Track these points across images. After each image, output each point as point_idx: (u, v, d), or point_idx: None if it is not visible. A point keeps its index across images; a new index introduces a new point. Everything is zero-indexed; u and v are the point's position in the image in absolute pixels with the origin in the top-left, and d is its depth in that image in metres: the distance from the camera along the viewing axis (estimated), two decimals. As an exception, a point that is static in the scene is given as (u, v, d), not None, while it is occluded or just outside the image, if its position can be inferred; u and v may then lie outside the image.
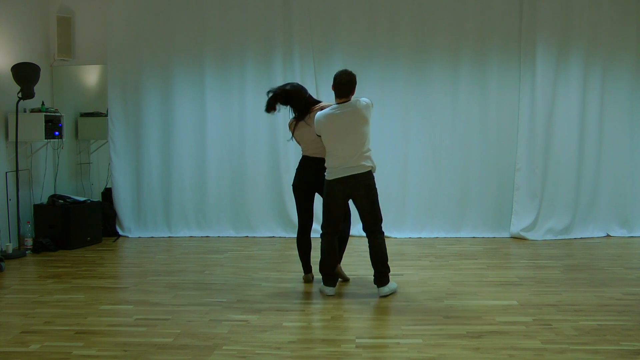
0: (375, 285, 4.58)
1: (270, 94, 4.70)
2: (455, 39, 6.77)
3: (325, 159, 4.53)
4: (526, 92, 6.75)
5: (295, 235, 4.99)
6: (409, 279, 5.02)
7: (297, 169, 4.85)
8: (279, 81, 6.86)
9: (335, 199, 4.50)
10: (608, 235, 6.84)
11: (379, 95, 6.81)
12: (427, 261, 5.72)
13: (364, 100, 4.48)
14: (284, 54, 6.92)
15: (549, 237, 6.71)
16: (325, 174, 4.54)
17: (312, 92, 6.85)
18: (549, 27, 6.66)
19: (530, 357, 3.35)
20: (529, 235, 6.70)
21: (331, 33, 6.87)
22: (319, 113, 4.52)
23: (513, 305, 4.31)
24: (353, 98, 4.48)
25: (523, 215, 6.76)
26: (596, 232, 6.83)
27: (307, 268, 4.98)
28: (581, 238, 6.73)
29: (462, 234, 6.86)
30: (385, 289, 4.53)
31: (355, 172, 4.42)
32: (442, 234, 6.87)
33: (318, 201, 4.81)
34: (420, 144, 6.83)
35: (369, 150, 4.51)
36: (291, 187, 4.91)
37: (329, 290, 4.59)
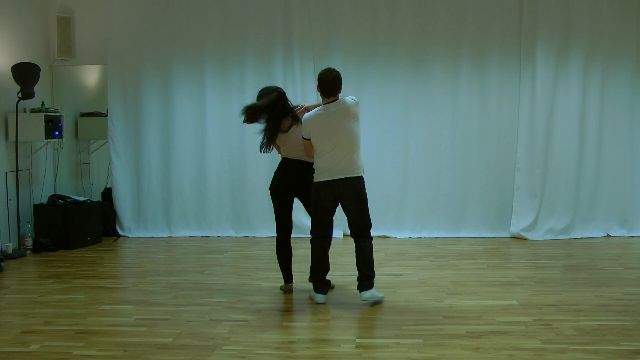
0: (358, 291, 4.33)
1: (261, 102, 4.39)
2: (455, 38, 6.77)
3: (315, 160, 4.33)
4: (526, 92, 6.75)
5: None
6: (409, 279, 5.02)
7: (276, 172, 4.57)
8: (279, 81, 6.86)
9: (324, 201, 4.30)
10: (608, 235, 6.84)
11: (378, 95, 6.84)
12: (427, 261, 5.72)
13: (350, 98, 4.33)
14: (284, 54, 6.91)
15: (549, 237, 6.71)
16: (313, 175, 4.35)
17: (312, 92, 6.90)
18: (549, 27, 6.66)
19: (530, 357, 3.35)
20: (529, 235, 6.70)
21: (331, 33, 6.87)
22: (307, 114, 4.32)
23: (513, 305, 4.31)
24: (340, 97, 4.32)
25: (523, 215, 6.76)
26: (596, 232, 6.83)
27: (288, 277, 4.66)
28: (581, 238, 6.73)
29: (462, 234, 6.86)
30: (367, 294, 4.27)
31: (345, 176, 4.23)
32: (442, 234, 6.87)
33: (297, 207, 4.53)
34: (420, 144, 6.83)
35: (359, 151, 4.33)
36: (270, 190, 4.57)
37: (320, 297, 4.37)
